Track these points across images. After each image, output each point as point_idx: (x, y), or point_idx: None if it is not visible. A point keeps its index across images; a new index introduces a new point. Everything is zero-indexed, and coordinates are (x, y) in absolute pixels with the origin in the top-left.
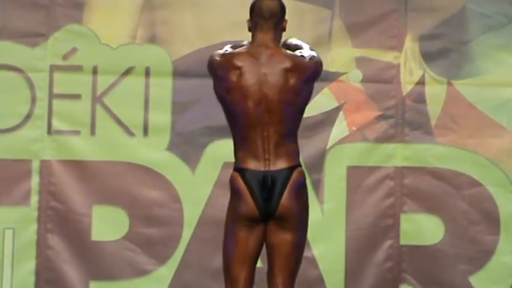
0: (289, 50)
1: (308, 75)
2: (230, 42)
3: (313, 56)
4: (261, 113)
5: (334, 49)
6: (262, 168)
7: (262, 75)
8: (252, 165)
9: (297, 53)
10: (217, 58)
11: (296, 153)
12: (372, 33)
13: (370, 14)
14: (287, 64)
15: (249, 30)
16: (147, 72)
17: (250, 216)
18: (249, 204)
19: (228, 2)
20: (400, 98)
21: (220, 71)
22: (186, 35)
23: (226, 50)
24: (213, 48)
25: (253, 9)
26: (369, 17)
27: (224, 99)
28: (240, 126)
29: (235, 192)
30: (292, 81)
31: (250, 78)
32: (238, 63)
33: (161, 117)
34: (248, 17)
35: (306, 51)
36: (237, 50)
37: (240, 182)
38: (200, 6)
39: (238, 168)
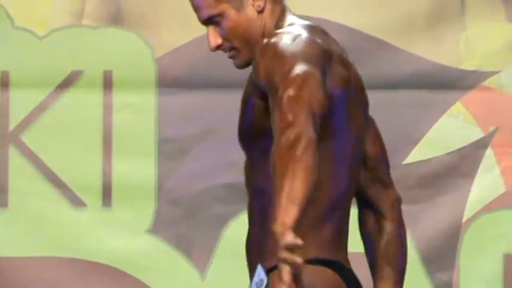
0: None
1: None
2: None
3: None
4: (358, 158)
5: (471, 26)
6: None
7: (353, 91)
8: (345, 257)
9: None
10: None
11: None
12: None
13: None
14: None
15: (260, 9)
16: (107, 81)
17: None
18: None
19: None
20: None
21: (339, 68)
22: (176, 12)
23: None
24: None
25: None
26: None
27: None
28: (337, 180)
29: None
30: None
31: (352, 96)
32: (342, 66)
33: (136, 169)
34: None
35: None
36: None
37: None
38: None
39: (328, 261)
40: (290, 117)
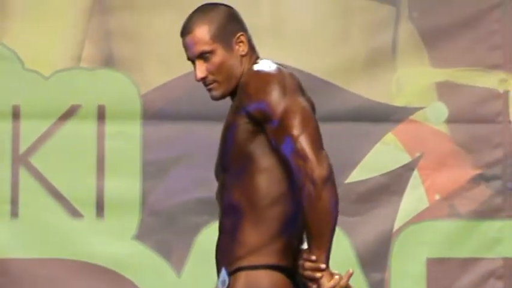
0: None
1: None
2: None
3: None
4: None
5: (401, 70)
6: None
7: None
8: (295, 264)
9: None
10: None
11: None
12: (463, 44)
13: (459, 13)
14: None
15: (243, 53)
16: (101, 114)
17: None
18: None
19: None
20: (510, 147)
21: (306, 96)
22: (158, 56)
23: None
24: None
25: (237, 16)
26: (456, 18)
27: None
28: (293, 198)
29: None
30: None
31: None
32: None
33: (124, 186)
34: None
35: None
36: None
37: None
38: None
39: (285, 268)
40: (301, 158)
